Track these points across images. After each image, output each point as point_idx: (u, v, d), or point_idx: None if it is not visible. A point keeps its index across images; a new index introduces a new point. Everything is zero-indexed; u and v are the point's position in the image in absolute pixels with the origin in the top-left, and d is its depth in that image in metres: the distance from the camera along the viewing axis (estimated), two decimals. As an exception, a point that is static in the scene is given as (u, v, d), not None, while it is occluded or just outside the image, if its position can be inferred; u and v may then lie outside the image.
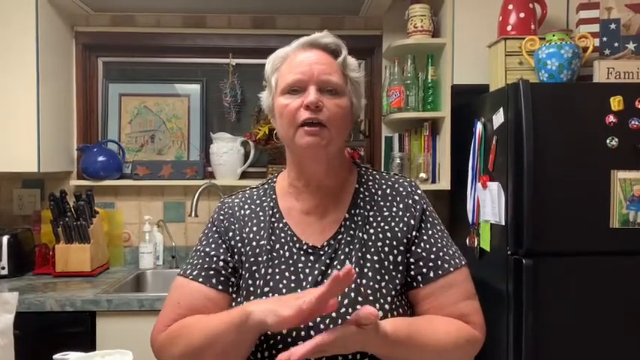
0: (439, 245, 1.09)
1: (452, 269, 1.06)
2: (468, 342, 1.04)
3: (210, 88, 2.73)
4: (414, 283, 1.07)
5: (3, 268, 2.30)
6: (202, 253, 1.12)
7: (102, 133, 2.70)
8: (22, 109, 2.25)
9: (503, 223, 1.88)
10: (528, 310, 1.78)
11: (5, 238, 2.32)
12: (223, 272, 1.09)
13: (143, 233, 2.55)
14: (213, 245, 1.12)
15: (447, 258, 1.07)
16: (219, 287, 1.08)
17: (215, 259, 1.10)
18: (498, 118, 1.93)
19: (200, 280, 1.08)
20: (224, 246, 1.11)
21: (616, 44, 2.04)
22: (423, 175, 2.41)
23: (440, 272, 1.06)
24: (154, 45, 2.67)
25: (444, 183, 2.40)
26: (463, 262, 1.09)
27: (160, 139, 2.72)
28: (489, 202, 1.96)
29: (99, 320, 2.00)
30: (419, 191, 1.14)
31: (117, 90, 2.71)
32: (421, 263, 1.07)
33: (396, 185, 1.14)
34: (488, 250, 2.01)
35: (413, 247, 1.08)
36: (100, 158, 2.51)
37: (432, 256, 1.07)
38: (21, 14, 2.24)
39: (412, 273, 1.07)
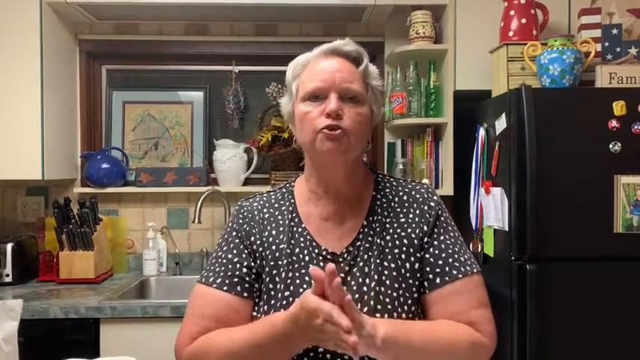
0: (449, 251, 1.08)
1: (460, 276, 1.05)
2: (471, 344, 1.01)
3: (213, 95, 2.74)
4: (422, 289, 1.06)
5: (7, 275, 2.31)
6: (224, 260, 1.10)
7: (105, 141, 2.71)
8: (26, 116, 2.26)
9: (507, 229, 1.88)
10: (532, 316, 1.77)
11: (9, 246, 2.32)
12: (247, 279, 1.08)
13: (147, 240, 2.55)
14: (235, 251, 1.11)
15: (457, 265, 1.06)
16: (245, 295, 1.07)
17: (238, 265, 1.09)
18: (501, 124, 1.93)
19: (225, 288, 1.06)
20: (246, 251, 1.10)
21: (618, 49, 2.04)
22: (425, 180, 2.40)
23: (447, 278, 1.05)
24: (157, 53, 2.69)
25: (447, 189, 2.39)
26: (475, 270, 1.08)
27: (164, 146, 2.73)
28: (492, 208, 1.96)
29: (103, 327, 1.99)
30: (435, 197, 1.14)
31: (120, 97, 2.72)
32: (428, 269, 1.06)
33: (413, 192, 1.14)
34: (491, 255, 2.01)
35: (423, 253, 1.08)
36: (104, 165, 2.52)
37: (440, 262, 1.06)
38: (25, 22, 2.25)
39: (420, 279, 1.06)
